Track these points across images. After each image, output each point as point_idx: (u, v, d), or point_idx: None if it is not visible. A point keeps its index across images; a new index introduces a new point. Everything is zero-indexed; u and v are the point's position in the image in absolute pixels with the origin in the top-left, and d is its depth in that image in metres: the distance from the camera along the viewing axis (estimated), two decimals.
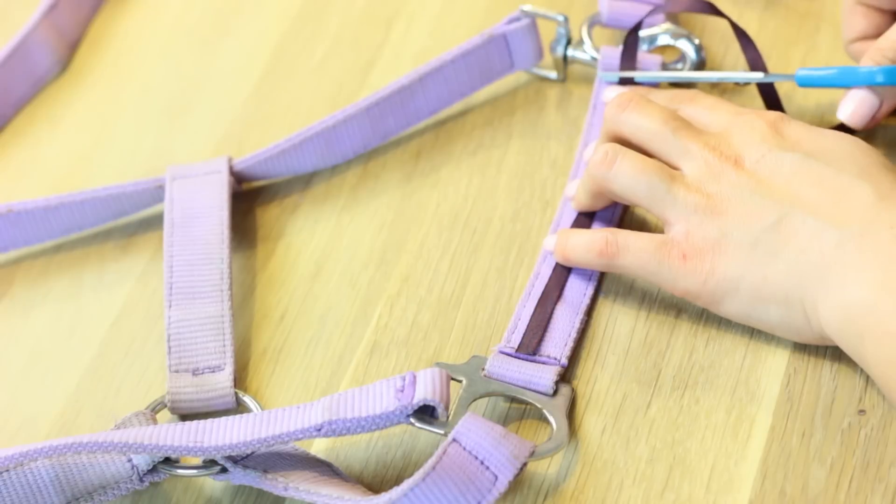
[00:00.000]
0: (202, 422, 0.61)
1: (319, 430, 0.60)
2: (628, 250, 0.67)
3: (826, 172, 0.64)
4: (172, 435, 0.61)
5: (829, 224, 0.62)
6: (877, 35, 0.71)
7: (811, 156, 0.65)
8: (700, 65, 0.75)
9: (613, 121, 0.69)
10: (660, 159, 0.68)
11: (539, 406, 0.64)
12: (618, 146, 0.68)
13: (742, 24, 0.78)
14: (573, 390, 0.65)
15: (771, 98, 0.73)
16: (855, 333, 0.61)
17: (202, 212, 0.72)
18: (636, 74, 0.74)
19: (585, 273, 0.69)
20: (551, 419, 0.63)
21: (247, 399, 0.66)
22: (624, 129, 0.69)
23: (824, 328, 0.62)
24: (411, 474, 0.59)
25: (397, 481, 0.60)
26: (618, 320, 0.67)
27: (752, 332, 0.66)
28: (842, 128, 0.70)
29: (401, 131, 0.76)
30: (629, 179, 0.67)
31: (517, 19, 0.76)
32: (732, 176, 0.65)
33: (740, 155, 0.66)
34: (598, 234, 0.68)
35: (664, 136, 0.67)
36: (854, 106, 0.69)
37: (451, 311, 0.69)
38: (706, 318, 0.67)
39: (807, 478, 0.61)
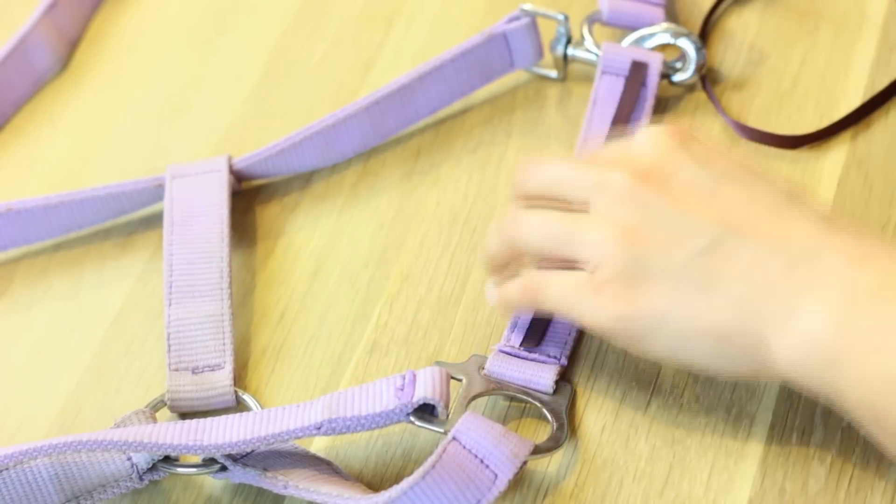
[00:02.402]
0: (202, 420, 0.62)
1: (319, 428, 0.60)
2: (549, 288, 0.62)
3: (752, 193, 0.59)
4: (172, 433, 0.61)
5: (769, 249, 0.57)
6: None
7: (729, 175, 0.60)
8: (701, 64, 0.75)
9: (519, 185, 0.65)
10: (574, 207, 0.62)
11: (539, 405, 0.64)
12: (518, 208, 0.64)
13: (741, 24, 0.78)
14: (573, 389, 0.65)
15: None
16: (823, 360, 0.56)
17: (202, 210, 0.72)
18: None
19: None
20: (551, 418, 0.63)
21: (246, 398, 0.66)
22: (530, 187, 0.64)
23: (776, 364, 0.57)
24: (411, 473, 0.59)
25: (397, 480, 0.60)
26: None
27: None
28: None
29: (401, 130, 0.76)
30: (535, 231, 0.62)
31: (517, 18, 0.76)
32: (643, 196, 0.59)
33: (649, 171, 0.60)
34: (525, 276, 0.63)
35: (568, 180, 0.62)
36: None
37: (451, 310, 0.69)
38: None
39: (807, 476, 0.61)
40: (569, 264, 0.61)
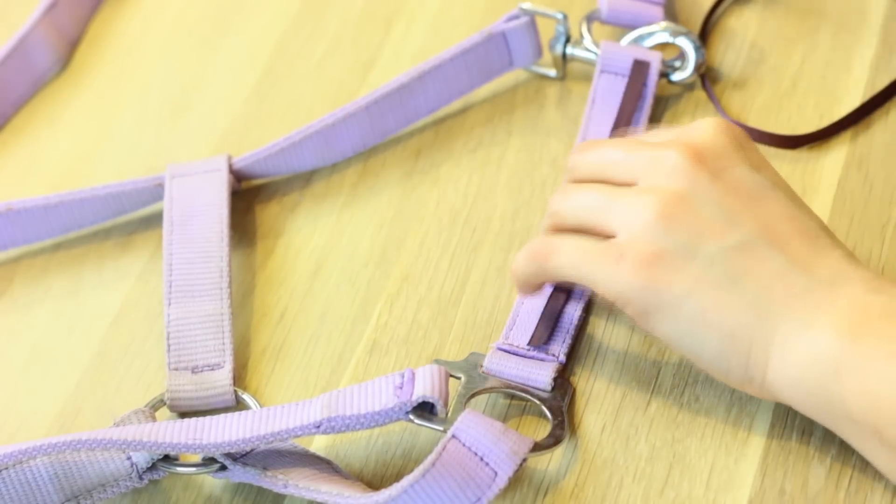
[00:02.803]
0: (201, 419, 0.62)
1: (318, 426, 0.60)
2: (562, 250, 0.61)
3: (794, 210, 0.60)
4: (171, 432, 0.61)
5: (797, 266, 0.58)
6: None
7: (778, 187, 0.61)
8: (700, 63, 0.75)
9: (571, 168, 0.65)
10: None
11: (538, 402, 0.64)
12: (567, 184, 0.64)
13: (742, 23, 0.78)
14: (572, 386, 0.65)
15: None
16: (828, 372, 0.56)
17: (201, 210, 0.72)
18: None
19: None
20: (550, 415, 0.63)
21: (246, 397, 0.66)
22: (581, 170, 0.64)
23: (774, 373, 0.58)
24: (411, 472, 0.59)
25: (397, 479, 0.60)
26: (617, 318, 0.67)
27: None
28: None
29: (400, 129, 0.76)
30: (572, 202, 0.62)
31: (516, 17, 0.76)
32: (696, 174, 0.60)
33: (705, 156, 0.60)
34: (535, 240, 0.63)
35: (621, 160, 0.62)
36: None
37: (450, 310, 0.69)
38: None
39: (807, 476, 0.61)
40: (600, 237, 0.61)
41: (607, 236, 0.61)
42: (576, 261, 0.61)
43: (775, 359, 0.58)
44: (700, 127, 0.62)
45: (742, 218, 0.59)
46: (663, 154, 0.60)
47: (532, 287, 0.65)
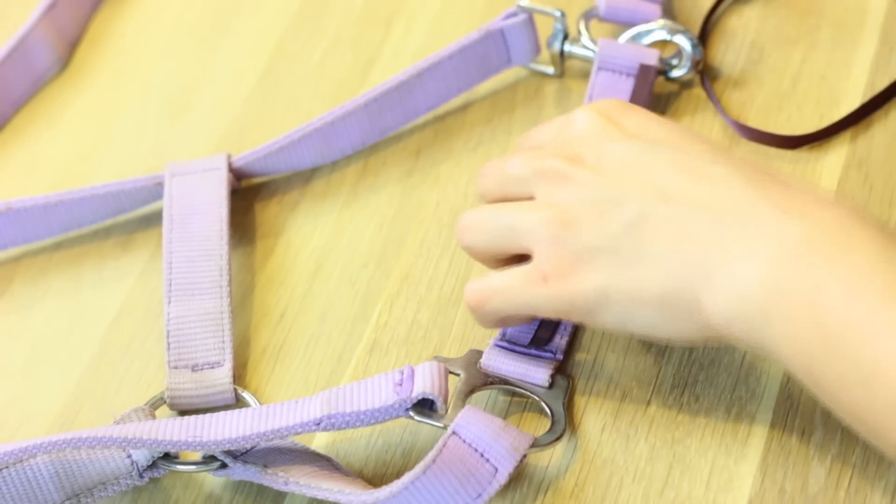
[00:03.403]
0: (201, 416, 0.62)
1: (318, 423, 0.60)
2: (490, 294, 0.62)
3: (679, 157, 0.59)
4: (171, 430, 0.61)
5: (695, 210, 0.58)
6: None
7: (659, 142, 0.60)
8: (697, 60, 0.75)
9: (480, 195, 0.66)
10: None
11: (537, 398, 0.64)
12: (466, 212, 0.65)
13: (742, 23, 0.78)
14: (571, 382, 0.65)
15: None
16: (755, 317, 0.56)
17: (201, 208, 0.72)
18: None
19: None
20: (549, 411, 0.63)
21: (246, 395, 0.66)
22: (488, 195, 0.65)
23: (713, 323, 0.57)
24: (412, 469, 0.59)
25: (397, 476, 0.60)
26: None
27: None
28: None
29: (399, 127, 0.76)
30: (479, 233, 0.63)
31: (514, 15, 0.76)
32: (575, 177, 0.60)
33: (578, 153, 0.61)
34: (467, 287, 0.64)
35: (512, 177, 0.63)
36: None
37: (450, 310, 0.69)
38: None
39: (807, 476, 0.61)
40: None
41: (523, 254, 0.62)
42: (509, 298, 0.62)
43: (707, 305, 0.57)
44: (573, 120, 0.63)
45: (627, 192, 0.59)
46: (544, 164, 0.62)
47: (493, 325, 0.65)
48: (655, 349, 0.66)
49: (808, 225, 0.56)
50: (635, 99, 0.73)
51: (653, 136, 0.61)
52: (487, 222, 0.63)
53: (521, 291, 0.61)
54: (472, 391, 0.64)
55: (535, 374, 0.65)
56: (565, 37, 0.76)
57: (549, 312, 0.61)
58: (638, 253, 0.58)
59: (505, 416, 0.65)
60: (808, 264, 0.55)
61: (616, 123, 0.62)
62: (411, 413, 0.61)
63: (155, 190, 0.73)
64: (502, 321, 0.64)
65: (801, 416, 0.63)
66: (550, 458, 0.63)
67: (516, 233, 0.61)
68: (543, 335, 0.66)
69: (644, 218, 0.58)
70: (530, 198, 0.62)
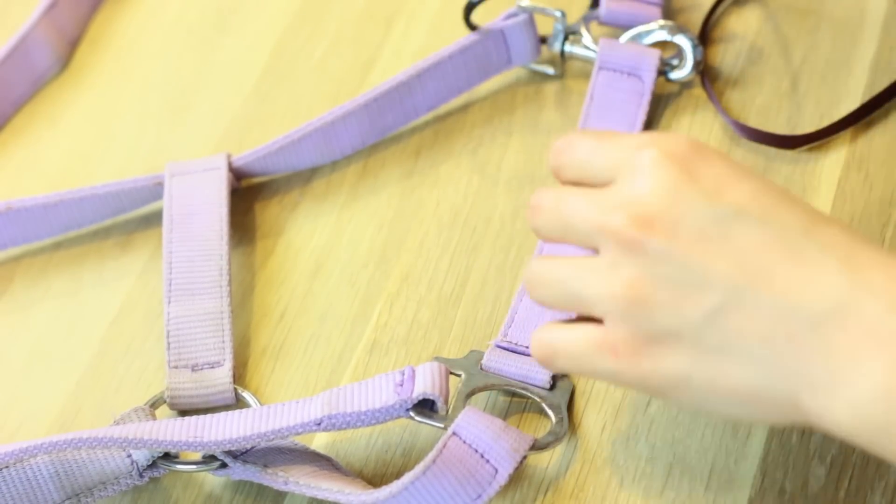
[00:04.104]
0: (201, 417, 0.62)
1: (319, 424, 0.60)
2: (564, 353, 0.58)
3: (769, 234, 0.52)
4: (171, 430, 0.61)
5: (791, 303, 0.51)
6: None
7: (744, 211, 0.53)
8: (698, 61, 0.75)
9: (532, 221, 0.60)
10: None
11: (538, 399, 0.64)
12: (533, 261, 0.60)
13: (742, 23, 0.78)
14: (572, 384, 0.65)
15: None
16: (875, 428, 0.50)
17: (201, 208, 0.72)
18: None
19: None
20: (550, 412, 0.63)
21: (246, 395, 0.66)
22: (538, 234, 0.60)
23: (817, 421, 0.52)
24: (412, 469, 0.59)
25: (397, 477, 0.60)
26: None
27: None
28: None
29: (399, 127, 0.76)
30: (547, 288, 0.58)
31: (514, 15, 0.76)
32: (647, 248, 0.53)
33: (649, 215, 0.54)
34: (536, 334, 0.60)
35: (566, 223, 0.57)
36: None
37: (450, 310, 0.69)
38: None
39: (807, 476, 0.61)
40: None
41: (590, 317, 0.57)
42: (576, 364, 0.58)
43: (812, 409, 0.52)
44: (638, 163, 0.55)
45: (712, 272, 0.53)
46: (610, 221, 0.55)
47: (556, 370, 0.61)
48: None
49: None
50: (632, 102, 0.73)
51: (734, 196, 0.53)
52: (553, 283, 0.58)
53: (590, 360, 0.57)
54: (472, 392, 0.64)
55: (537, 375, 0.65)
56: (566, 37, 0.76)
57: (618, 384, 0.59)
58: (724, 344, 0.53)
59: (505, 416, 0.65)
60: None
61: (690, 175, 0.54)
62: (412, 413, 0.61)
63: (155, 190, 0.73)
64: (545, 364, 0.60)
65: None
66: (550, 459, 0.63)
67: (583, 301, 0.56)
68: (526, 335, 0.66)
69: (730, 307, 0.52)
70: (593, 247, 0.57)
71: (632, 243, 0.54)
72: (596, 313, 0.56)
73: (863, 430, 0.51)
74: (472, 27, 0.75)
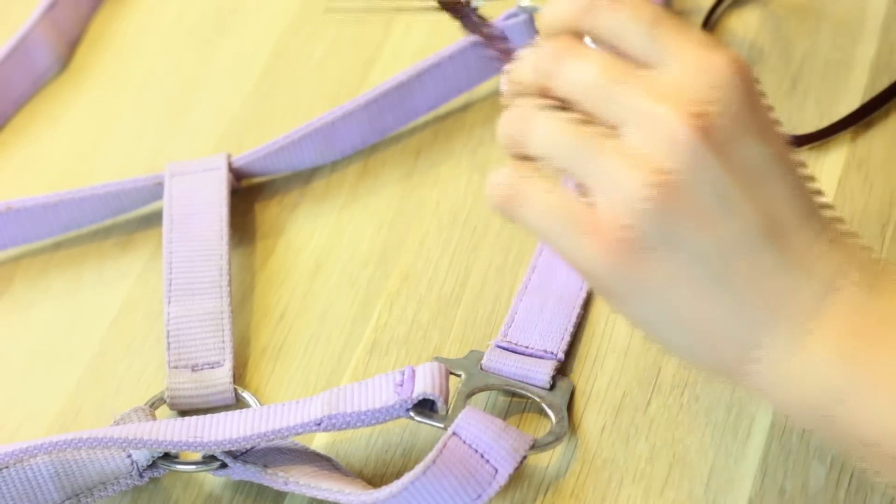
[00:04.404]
0: (201, 417, 0.62)
1: (319, 424, 0.60)
2: (528, 199, 0.52)
3: (799, 192, 0.51)
4: (172, 430, 0.61)
5: (792, 262, 0.51)
6: None
7: (783, 161, 0.51)
8: None
9: (543, 73, 0.53)
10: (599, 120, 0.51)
11: (538, 400, 0.64)
12: (536, 105, 0.53)
13: (742, 24, 0.78)
14: (572, 384, 0.65)
15: None
16: (826, 395, 0.50)
17: (201, 208, 0.72)
18: None
19: None
20: (550, 412, 0.63)
21: (246, 395, 0.66)
22: (554, 84, 0.52)
23: (760, 378, 0.52)
24: (412, 470, 0.59)
25: (397, 477, 0.60)
26: (617, 318, 0.67)
27: None
28: None
29: (399, 128, 0.76)
30: (546, 143, 0.52)
31: (515, 15, 0.76)
32: (700, 152, 0.49)
33: (712, 125, 0.50)
34: (506, 171, 0.53)
35: (606, 90, 0.51)
36: None
37: (451, 310, 0.69)
38: None
39: (807, 476, 0.61)
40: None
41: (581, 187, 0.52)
42: (542, 217, 0.52)
43: (764, 368, 0.51)
44: (710, 73, 0.50)
45: (740, 206, 0.50)
46: (662, 114, 0.50)
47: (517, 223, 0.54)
48: (655, 349, 0.66)
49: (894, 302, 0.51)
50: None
51: (777, 147, 0.51)
52: (565, 132, 0.51)
53: (556, 223, 0.51)
54: (472, 392, 0.64)
55: (536, 375, 0.65)
56: None
57: (573, 265, 0.52)
58: (713, 275, 0.51)
59: (505, 416, 0.65)
60: (891, 333, 0.50)
61: (753, 109, 0.51)
62: (412, 414, 0.61)
63: (155, 190, 0.73)
64: (492, 204, 0.54)
65: None
66: (550, 459, 0.63)
67: (596, 165, 0.50)
68: (526, 335, 0.66)
69: (740, 245, 0.50)
70: (612, 126, 0.51)
71: (683, 140, 0.49)
72: (591, 184, 0.51)
73: (803, 397, 0.50)
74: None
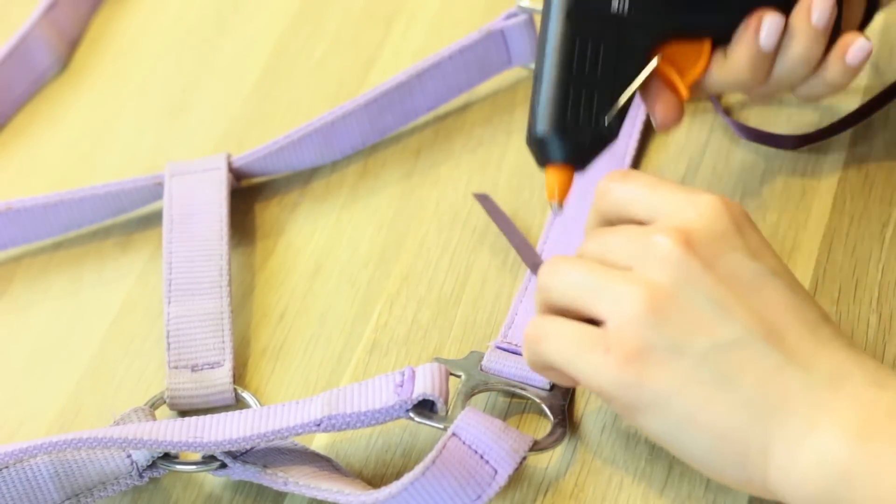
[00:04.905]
0: (201, 417, 0.62)
1: (319, 424, 0.60)
2: (550, 336, 0.58)
3: (793, 299, 0.56)
4: (171, 430, 0.61)
5: (794, 361, 0.54)
6: None
7: (779, 275, 0.57)
8: None
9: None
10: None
11: (538, 400, 0.64)
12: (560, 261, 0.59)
13: None
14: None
15: None
16: (836, 479, 0.53)
17: (201, 208, 0.72)
18: None
19: None
20: (550, 413, 0.63)
21: (246, 395, 0.66)
22: (587, 249, 0.60)
23: (775, 477, 0.54)
24: (411, 470, 0.59)
25: (397, 477, 0.60)
26: None
27: None
28: None
29: (399, 128, 0.76)
30: (556, 277, 0.59)
31: (514, 15, 0.76)
32: (688, 268, 0.56)
33: (697, 242, 0.56)
34: (531, 321, 0.60)
35: (605, 240, 0.59)
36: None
37: (450, 310, 0.69)
38: None
39: None
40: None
41: (597, 321, 0.58)
42: (563, 348, 0.58)
43: (777, 462, 0.54)
44: (697, 205, 0.58)
45: (735, 311, 0.55)
46: (654, 240, 0.57)
47: (540, 368, 0.61)
48: None
49: None
50: None
51: (772, 262, 0.57)
52: (581, 272, 0.58)
53: (576, 351, 0.57)
54: (472, 393, 0.64)
55: (536, 375, 0.65)
56: None
57: (593, 386, 0.57)
58: (721, 377, 0.55)
59: (505, 417, 0.65)
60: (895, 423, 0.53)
61: (739, 229, 0.57)
62: (411, 414, 0.61)
63: (155, 190, 0.73)
64: (548, 369, 0.60)
65: None
66: (550, 459, 0.63)
67: (597, 294, 0.57)
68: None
69: (742, 345, 0.55)
70: (626, 268, 0.58)
71: (671, 256, 0.56)
72: (602, 310, 0.57)
73: (816, 484, 0.53)
74: None
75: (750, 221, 0.58)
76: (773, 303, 0.56)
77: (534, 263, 0.69)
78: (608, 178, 0.61)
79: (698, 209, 0.57)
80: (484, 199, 0.72)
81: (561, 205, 0.64)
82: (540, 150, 0.64)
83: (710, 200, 0.58)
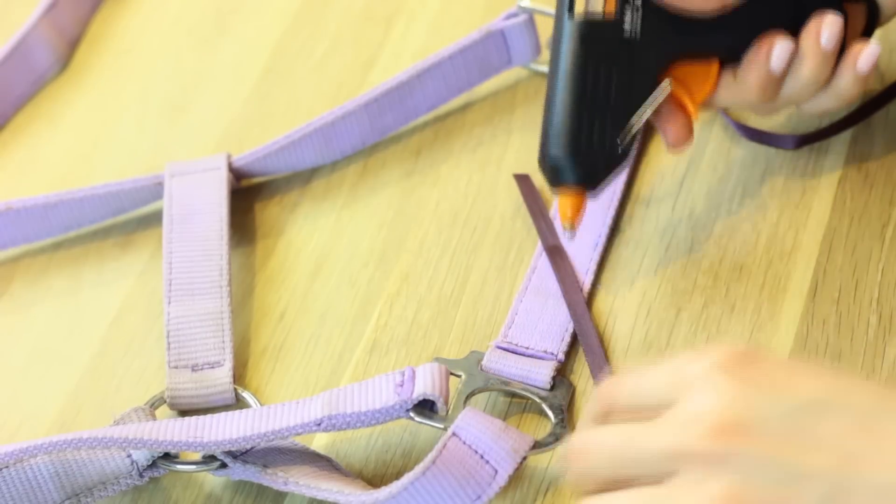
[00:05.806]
0: (201, 417, 0.62)
1: (319, 424, 0.60)
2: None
3: (847, 418, 0.50)
4: (172, 430, 0.61)
5: (888, 476, 0.49)
6: None
7: (815, 400, 0.51)
8: None
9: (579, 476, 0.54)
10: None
11: (538, 400, 0.64)
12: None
13: None
14: (572, 384, 0.65)
15: None
16: None
17: (201, 208, 0.72)
18: None
19: (582, 267, 0.69)
20: (550, 413, 0.63)
21: (246, 395, 0.66)
22: (590, 463, 0.54)
23: None
24: (411, 470, 0.59)
25: (397, 477, 0.60)
26: (618, 318, 0.67)
27: (752, 331, 0.66)
28: None
29: (399, 127, 0.76)
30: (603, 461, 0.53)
31: (515, 15, 0.76)
32: (736, 456, 0.49)
33: (726, 425, 0.50)
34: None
35: (628, 458, 0.52)
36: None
37: (451, 310, 0.69)
38: (706, 317, 0.67)
39: None
40: None
41: None
42: None
43: None
44: (698, 392, 0.52)
45: (808, 464, 0.50)
46: (686, 445, 0.50)
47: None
48: (655, 350, 0.66)
49: None
50: None
51: (799, 389, 0.51)
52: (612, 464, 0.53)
53: None
54: (472, 393, 0.64)
55: (537, 375, 0.65)
56: None
57: None
58: None
59: (505, 417, 0.65)
60: None
61: (747, 378, 0.51)
62: (412, 414, 0.61)
63: (155, 190, 0.73)
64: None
65: None
66: (550, 459, 0.63)
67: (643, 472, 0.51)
68: (526, 336, 0.66)
69: (836, 493, 0.49)
70: (657, 482, 0.51)
71: (718, 455, 0.50)
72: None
73: None
74: None
75: (748, 357, 0.52)
76: (831, 432, 0.50)
77: (553, 246, 0.68)
78: (598, 394, 0.56)
79: (701, 389, 0.51)
80: (523, 181, 0.72)
81: (574, 227, 0.64)
82: (553, 173, 0.64)
83: (705, 372, 0.52)
